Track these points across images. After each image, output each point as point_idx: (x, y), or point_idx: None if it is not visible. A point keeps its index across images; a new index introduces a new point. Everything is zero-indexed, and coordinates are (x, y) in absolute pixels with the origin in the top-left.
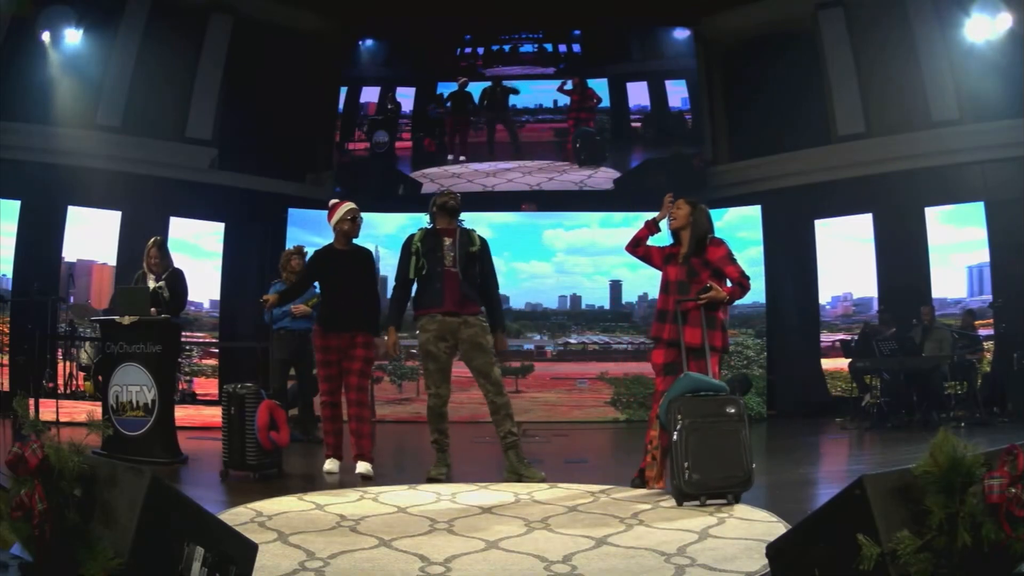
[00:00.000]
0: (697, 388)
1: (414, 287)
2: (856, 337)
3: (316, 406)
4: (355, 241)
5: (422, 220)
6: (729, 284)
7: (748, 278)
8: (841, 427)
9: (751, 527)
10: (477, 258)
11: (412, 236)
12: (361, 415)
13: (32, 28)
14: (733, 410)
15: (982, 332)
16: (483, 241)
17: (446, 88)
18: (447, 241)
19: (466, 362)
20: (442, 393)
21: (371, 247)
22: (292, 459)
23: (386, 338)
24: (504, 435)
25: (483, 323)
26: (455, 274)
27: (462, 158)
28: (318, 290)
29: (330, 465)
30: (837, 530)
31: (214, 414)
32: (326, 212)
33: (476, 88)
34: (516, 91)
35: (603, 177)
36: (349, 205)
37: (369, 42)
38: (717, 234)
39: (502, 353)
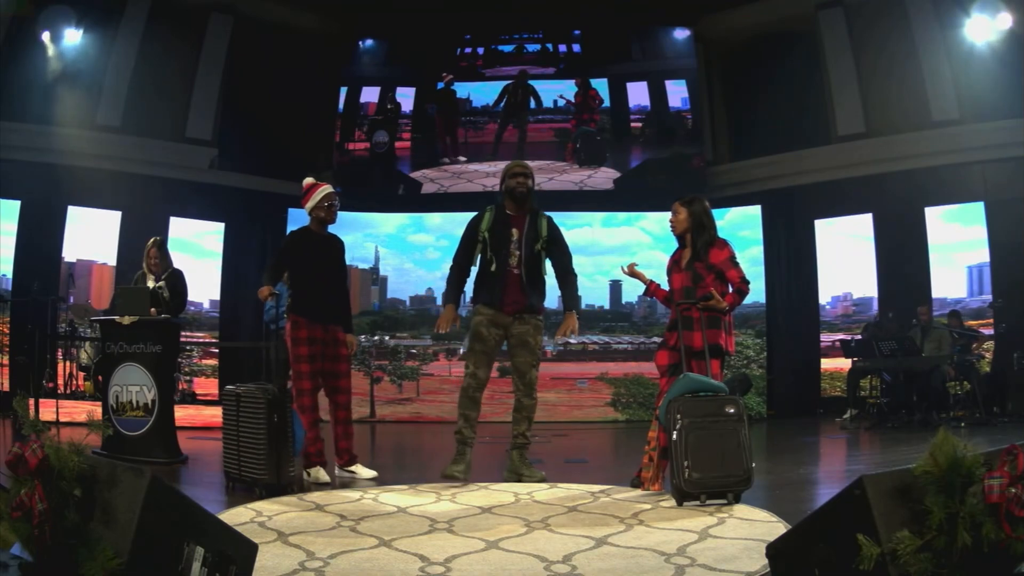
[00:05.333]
0: (696, 389)
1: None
2: (857, 337)
3: None
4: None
5: (422, 220)
6: (731, 288)
7: (748, 282)
8: (841, 427)
9: (751, 527)
10: (544, 252)
11: (480, 219)
12: (350, 418)
13: (32, 28)
14: (733, 410)
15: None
16: (552, 228)
17: None
18: (515, 234)
19: (510, 356)
20: (480, 375)
21: (371, 247)
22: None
23: (443, 312)
24: (516, 435)
25: (537, 322)
26: (517, 277)
27: (462, 158)
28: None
29: (319, 474)
30: (837, 530)
31: (214, 414)
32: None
33: (475, 88)
34: (538, 97)
35: (603, 177)
36: (326, 189)
37: (369, 42)
38: (718, 234)
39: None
